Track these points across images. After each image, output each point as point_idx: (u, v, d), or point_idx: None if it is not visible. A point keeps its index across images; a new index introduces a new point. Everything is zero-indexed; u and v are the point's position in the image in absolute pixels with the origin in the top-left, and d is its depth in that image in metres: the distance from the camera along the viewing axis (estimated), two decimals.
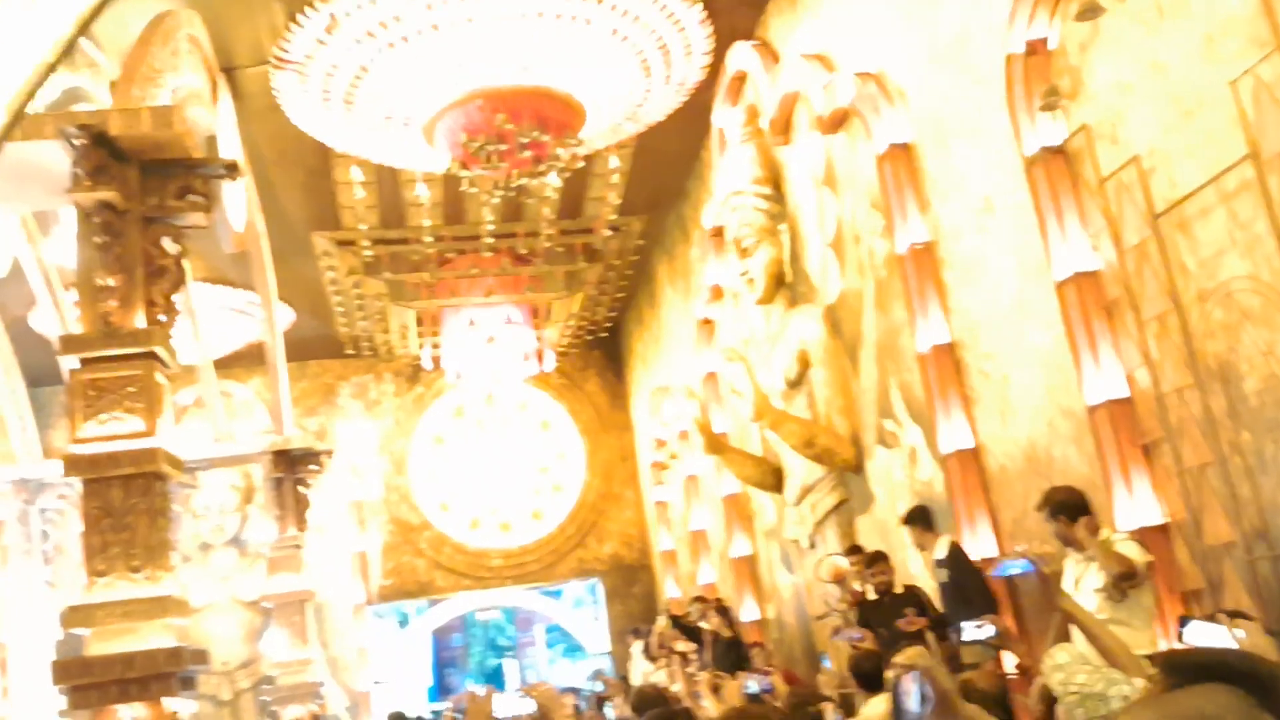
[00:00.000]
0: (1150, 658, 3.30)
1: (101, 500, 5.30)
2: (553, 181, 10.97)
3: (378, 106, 9.28)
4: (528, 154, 9.39)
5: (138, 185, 5.71)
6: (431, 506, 17.42)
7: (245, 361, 14.34)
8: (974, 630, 5.60)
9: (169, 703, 5.20)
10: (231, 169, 5.83)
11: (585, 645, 20.22)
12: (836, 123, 8.31)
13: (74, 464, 5.44)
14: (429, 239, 12.68)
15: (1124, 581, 4.53)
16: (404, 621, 18.44)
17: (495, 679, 22.93)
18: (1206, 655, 1.43)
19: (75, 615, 5.27)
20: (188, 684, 5.39)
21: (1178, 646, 4.06)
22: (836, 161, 8.59)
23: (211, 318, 12.15)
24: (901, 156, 7.41)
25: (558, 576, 17.70)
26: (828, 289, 8.99)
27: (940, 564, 6.64)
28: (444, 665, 23.54)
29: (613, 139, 10.62)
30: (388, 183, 11.64)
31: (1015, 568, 4.01)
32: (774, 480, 10.24)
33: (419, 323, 14.84)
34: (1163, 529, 5.30)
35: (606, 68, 9.21)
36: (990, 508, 6.84)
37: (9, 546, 11.55)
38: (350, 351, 16.17)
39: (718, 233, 11.23)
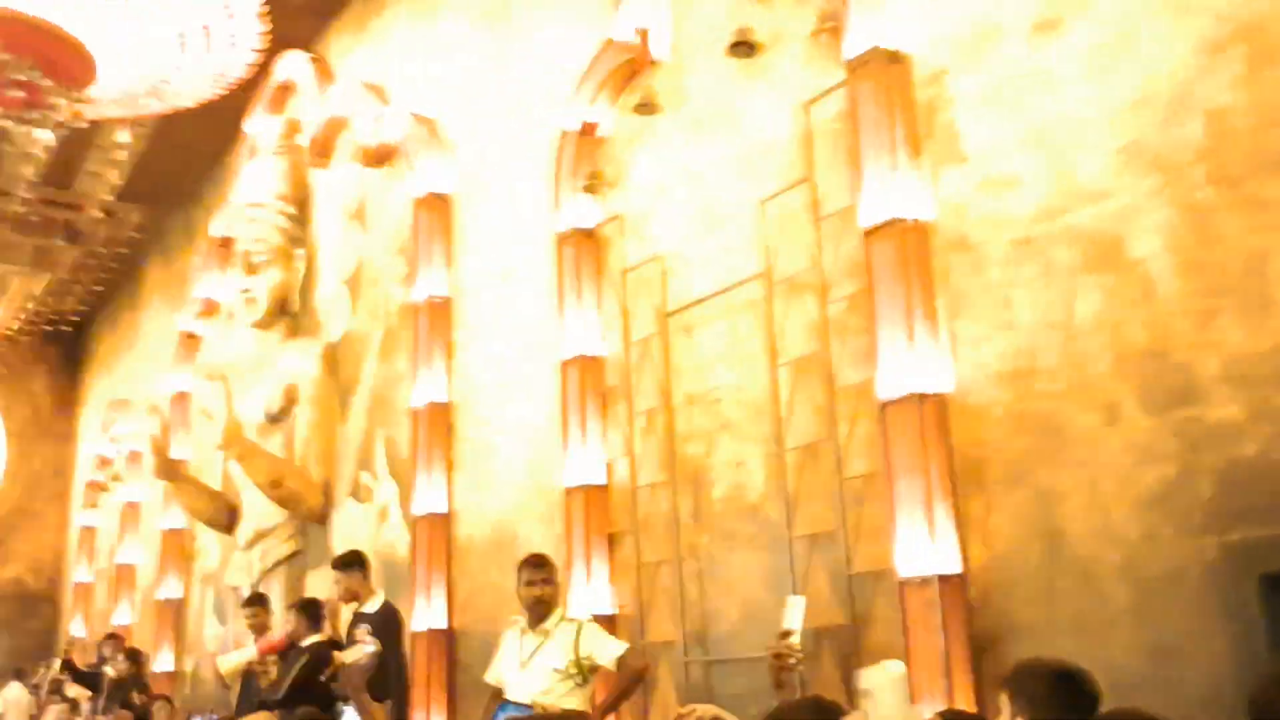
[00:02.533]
0: None
1: None
2: (43, 137, 9.52)
3: None
4: (18, 94, 8.04)
5: None
6: None
7: None
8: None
9: None
10: None
11: None
12: (379, 158, 7.94)
13: None
14: None
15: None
16: None
17: None
18: None
19: None
20: None
21: None
22: (370, 197, 8.19)
23: None
24: (438, 206, 7.18)
25: None
26: (332, 326, 8.46)
27: (365, 618, 6.03)
28: None
29: (128, 111, 9.43)
30: None
31: None
32: (226, 520, 9.33)
33: None
34: (610, 620, 5.32)
35: (136, 28, 8.17)
36: (450, 577, 6.60)
37: None
38: None
39: (226, 244, 10.32)
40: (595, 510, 5.52)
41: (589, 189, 5.74)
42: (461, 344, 6.87)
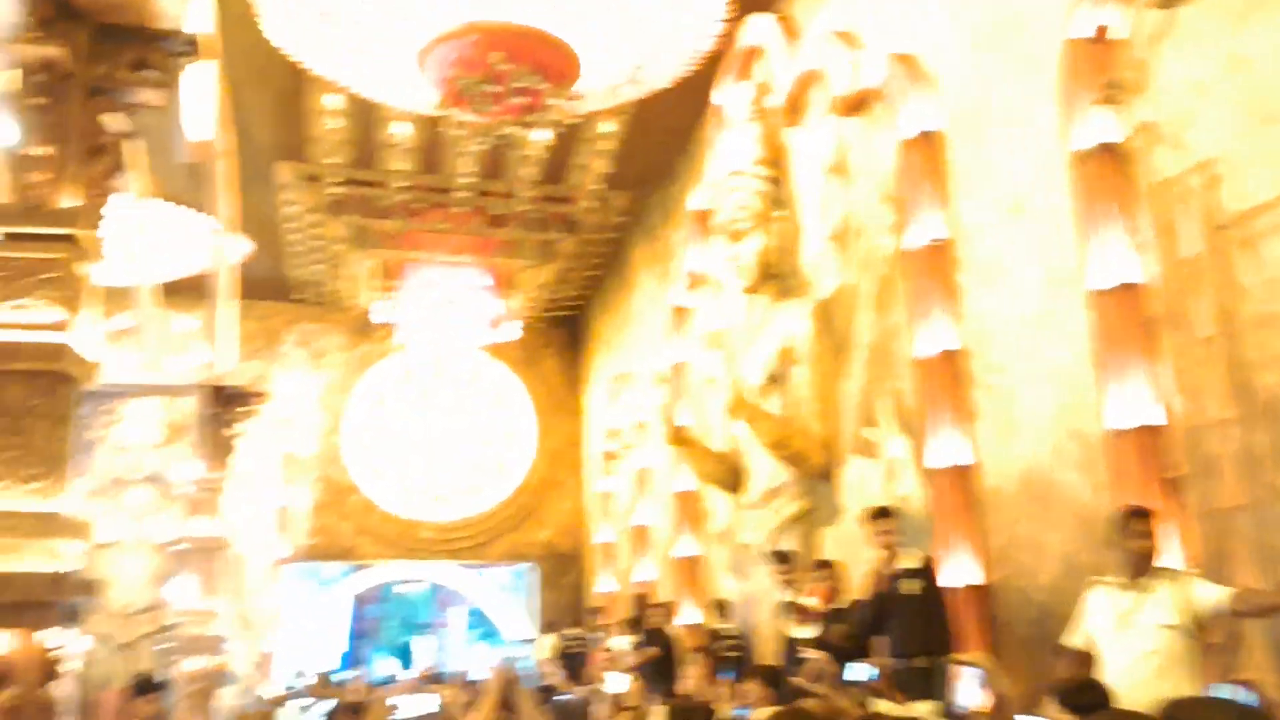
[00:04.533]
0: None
1: None
2: (542, 137, 10.38)
3: (365, 28, 8.60)
4: (520, 100, 8.76)
5: (87, 48, 5.00)
6: (363, 469, 16.67)
7: (190, 293, 13.52)
8: (858, 670, 5.43)
9: (46, 635, 4.50)
10: (192, 44, 5.13)
11: (506, 632, 19.55)
12: (856, 106, 7.78)
13: None
14: (400, 185, 11.97)
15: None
16: (327, 584, 17.71)
17: (404, 656, 22.16)
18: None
19: None
20: (70, 617, 4.68)
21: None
22: (850, 149, 8.05)
23: (159, 237, 11.32)
24: (926, 146, 6.88)
25: (489, 557, 17.03)
26: (822, 284, 8.45)
27: (911, 575, 6.10)
28: (358, 635, 22.71)
29: (609, 102, 10.02)
30: (363, 118, 10.94)
31: None
32: (733, 480, 9.67)
33: (376, 274, 14.12)
34: None
35: (612, 20, 8.60)
36: (977, 530, 6.32)
37: None
38: (297, 296, 15.45)
39: (704, 217, 10.67)
40: (1147, 454, 4.99)
41: (1107, 100, 5.19)
42: (967, 287, 6.54)
